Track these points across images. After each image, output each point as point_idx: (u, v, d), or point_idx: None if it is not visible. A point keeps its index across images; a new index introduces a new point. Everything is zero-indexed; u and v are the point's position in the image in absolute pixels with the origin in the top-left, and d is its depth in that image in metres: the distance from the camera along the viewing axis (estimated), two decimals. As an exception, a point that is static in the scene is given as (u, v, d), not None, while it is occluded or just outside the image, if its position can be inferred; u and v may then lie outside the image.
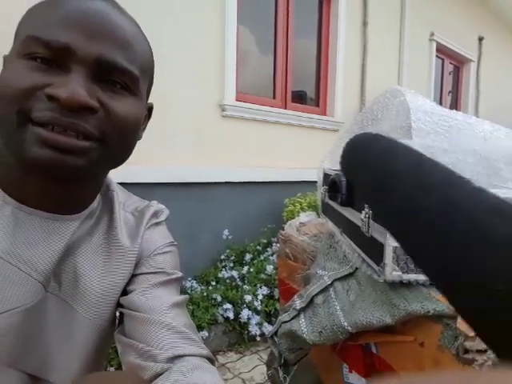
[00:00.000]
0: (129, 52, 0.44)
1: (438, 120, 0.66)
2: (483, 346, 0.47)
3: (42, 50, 0.40)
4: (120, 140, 0.45)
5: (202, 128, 2.54)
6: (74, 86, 0.39)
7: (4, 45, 0.52)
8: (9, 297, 0.43)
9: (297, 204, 2.71)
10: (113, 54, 0.42)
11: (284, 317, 0.83)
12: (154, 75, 0.56)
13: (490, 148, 0.61)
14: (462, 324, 0.50)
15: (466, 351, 0.49)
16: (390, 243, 0.58)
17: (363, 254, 0.71)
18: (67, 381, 0.50)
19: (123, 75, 0.44)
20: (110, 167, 0.50)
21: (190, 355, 0.46)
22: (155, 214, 0.63)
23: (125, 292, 0.55)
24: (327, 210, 1.01)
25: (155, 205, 0.65)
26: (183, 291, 2.34)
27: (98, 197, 0.55)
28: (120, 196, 0.60)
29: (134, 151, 0.52)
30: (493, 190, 0.17)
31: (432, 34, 4.69)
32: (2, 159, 0.45)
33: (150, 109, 0.56)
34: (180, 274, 0.59)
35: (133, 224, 0.59)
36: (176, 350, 0.46)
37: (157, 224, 0.62)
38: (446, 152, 0.59)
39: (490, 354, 0.46)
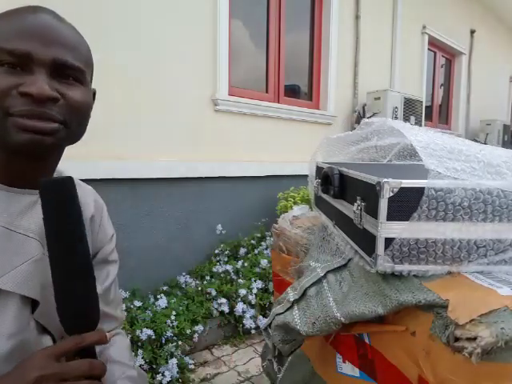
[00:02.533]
0: (75, 52, 0.57)
1: (432, 135, 0.67)
2: (473, 334, 0.48)
3: (8, 58, 0.51)
4: (78, 120, 0.59)
5: (195, 123, 2.53)
6: (41, 84, 0.52)
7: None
8: (22, 252, 0.58)
9: (290, 198, 2.71)
10: (64, 56, 0.55)
11: (278, 309, 0.84)
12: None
13: (489, 156, 0.62)
14: (452, 313, 0.51)
15: (457, 339, 0.50)
16: (382, 235, 0.58)
17: (356, 246, 0.72)
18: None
19: (73, 70, 0.57)
20: (70, 144, 0.62)
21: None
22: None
23: None
24: (320, 203, 1.02)
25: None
26: (178, 287, 2.35)
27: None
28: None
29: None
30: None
31: (424, 27, 4.70)
32: None
33: (94, 93, 0.68)
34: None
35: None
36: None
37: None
38: (451, 159, 0.60)
39: (480, 342, 0.46)
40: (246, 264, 2.49)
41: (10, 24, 0.53)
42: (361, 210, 0.66)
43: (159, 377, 1.68)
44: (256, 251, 2.64)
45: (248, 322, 2.18)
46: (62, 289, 0.50)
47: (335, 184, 0.81)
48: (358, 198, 0.67)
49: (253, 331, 2.20)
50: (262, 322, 2.19)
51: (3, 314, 0.56)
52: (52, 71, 0.54)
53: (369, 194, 0.63)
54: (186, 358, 1.87)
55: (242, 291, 2.24)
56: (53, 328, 0.63)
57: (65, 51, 0.55)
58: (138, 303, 1.99)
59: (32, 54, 0.52)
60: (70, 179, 0.51)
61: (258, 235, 2.79)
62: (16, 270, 0.57)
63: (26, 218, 0.60)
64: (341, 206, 0.81)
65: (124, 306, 1.93)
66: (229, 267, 2.43)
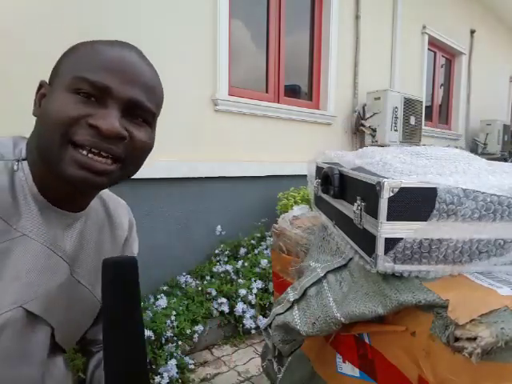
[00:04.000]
0: (151, 95, 0.57)
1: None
2: (473, 334, 0.48)
3: (87, 88, 0.51)
4: (136, 162, 0.59)
5: (195, 123, 2.53)
6: (112, 120, 0.51)
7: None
8: (56, 273, 0.60)
9: (290, 198, 2.71)
10: (140, 96, 0.55)
11: (278, 309, 0.84)
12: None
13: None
14: (452, 313, 0.51)
15: (457, 339, 0.49)
16: (382, 235, 0.58)
17: (356, 246, 0.72)
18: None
19: (144, 112, 0.56)
20: (120, 181, 0.62)
21: None
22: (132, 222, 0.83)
23: None
24: (320, 203, 1.02)
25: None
26: (178, 287, 2.35)
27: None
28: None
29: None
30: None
31: (424, 27, 4.70)
32: (44, 173, 0.57)
33: None
34: None
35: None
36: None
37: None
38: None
39: (480, 342, 0.46)
40: (246, 264, 2.49)
41: (95, 55, 0.53)
42: (361, 210, 0.66)
43: (158, 378, 1.68)
44: (256, 251, 2.64)
45: (248, 322, 2.18)
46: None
47: (335, 184, 0.81)
48: (358, 198, 0.67)
49: (253, 331, 2.20)
50: (262, 322, 2.19)
51: (34, 341, 0.57)
52: (124, 109, 0.54)
53: (369, 194, 0.63)
54: (186, 358, 1.87)
55: (242, 291, 2.24)
56: (67, 345, 0.67)
57: (141, 92, 0.55)
58: (137, 303, 1.98)
59: (111, 89, 0.52)
60: (134, 261, 0.51)
61: (258, 235, 2.79)
62: (48, 292, 0.58)
63: (62, 240, 0.61)
64: (341, 206, 0.81)
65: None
66: (229, 267, 2.43)
